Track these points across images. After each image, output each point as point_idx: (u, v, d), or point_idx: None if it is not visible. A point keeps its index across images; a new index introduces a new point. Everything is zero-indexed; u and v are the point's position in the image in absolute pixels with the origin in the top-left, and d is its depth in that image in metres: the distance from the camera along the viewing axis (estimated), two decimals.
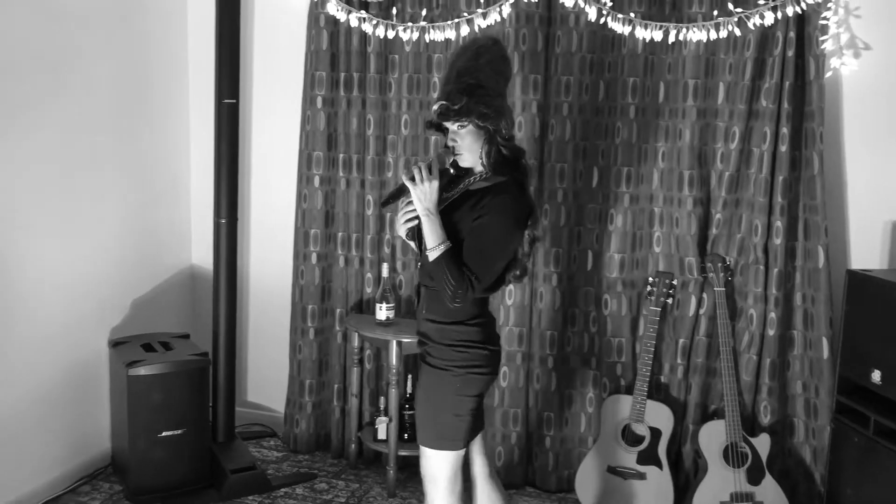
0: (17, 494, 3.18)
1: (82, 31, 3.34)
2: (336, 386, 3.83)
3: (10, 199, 3.06)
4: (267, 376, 4.08)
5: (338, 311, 3.81)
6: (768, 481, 3.18)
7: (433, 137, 3.57)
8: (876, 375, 2.88)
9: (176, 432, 3.36)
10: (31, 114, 3.13)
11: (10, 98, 3.03)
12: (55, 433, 3.36)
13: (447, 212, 2.37)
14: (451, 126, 2.35)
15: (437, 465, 2.43)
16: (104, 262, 3.56)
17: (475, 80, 2.30)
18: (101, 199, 3.53)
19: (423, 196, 2.30)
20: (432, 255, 2.31)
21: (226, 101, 3.55)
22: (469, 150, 2.35)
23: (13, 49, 3.03)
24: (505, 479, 3.59)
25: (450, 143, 2.38)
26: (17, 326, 3.13)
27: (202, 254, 4.07)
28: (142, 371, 3.28)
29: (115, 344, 3.52)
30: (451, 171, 2.44)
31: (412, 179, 2.31)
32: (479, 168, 2.40)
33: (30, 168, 3.14)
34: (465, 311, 2.37)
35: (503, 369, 3.55)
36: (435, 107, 2.33)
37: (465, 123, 2.32)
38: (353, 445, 3.74)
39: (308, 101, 3.71)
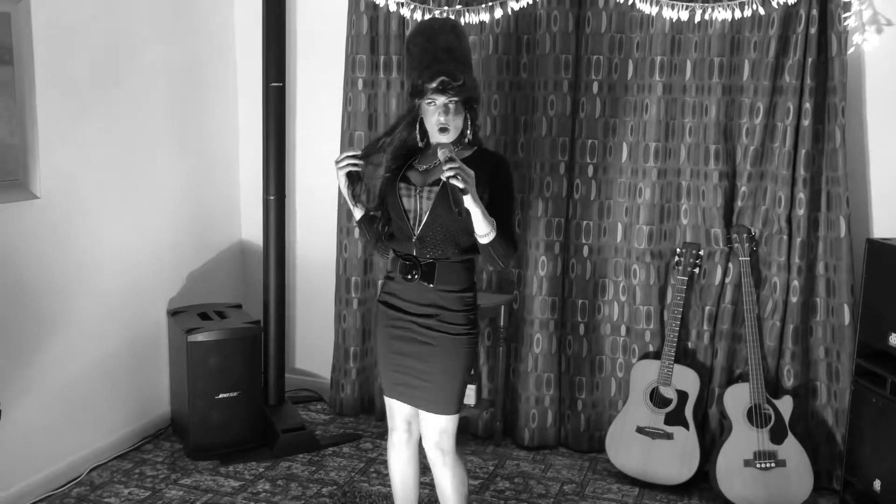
0: (89, 450, 3.46)
1: (136, 19, 3.56)
2: None
3: (73, 178, 3.29)
4: (313, 344, 4.32)
5: (379, 281, 3.98)
6: (790, 441, 3.33)
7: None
8: (893, 338, 3.01)
9: (231, 394, 3.60)
10: (92, 97, 3.36)
11: (72, 83, 3.26)
12: (120, 397, 3.63)
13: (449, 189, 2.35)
14: (441, 101, 2.34)
15: (454, 431, 2.56)
16: (161, 238, 3.81)
17: (465, 60, 2.42)
18: (157, 179, 3.76)
19: (470, 181, 2.23)
20: (488, 239, 2.32)
21: (273, 84, 3.75)
22: (454, 125, 2.38)
23: (74, 37, 3.25)
24: (538, 440, 3.80)
25: (440, 119, 2.35)
26: (84, 299, 3.39)
27: (251, 230, 4.31)
28: (200, 337, 3.52)
29: (174, 313, 3.77)
30: (420, 145, 2.50)
31: (452, 161, 2.22)
32: (441, 141, 2.38)
33: (91, 149, 3.37)
34: (470, 277, 2.51)
35: (537, 335, 3.74)
36: (433, 83, 2.31)
37: (457, 99, 2.35)
38: None
39: (349, 83, 3.90)
